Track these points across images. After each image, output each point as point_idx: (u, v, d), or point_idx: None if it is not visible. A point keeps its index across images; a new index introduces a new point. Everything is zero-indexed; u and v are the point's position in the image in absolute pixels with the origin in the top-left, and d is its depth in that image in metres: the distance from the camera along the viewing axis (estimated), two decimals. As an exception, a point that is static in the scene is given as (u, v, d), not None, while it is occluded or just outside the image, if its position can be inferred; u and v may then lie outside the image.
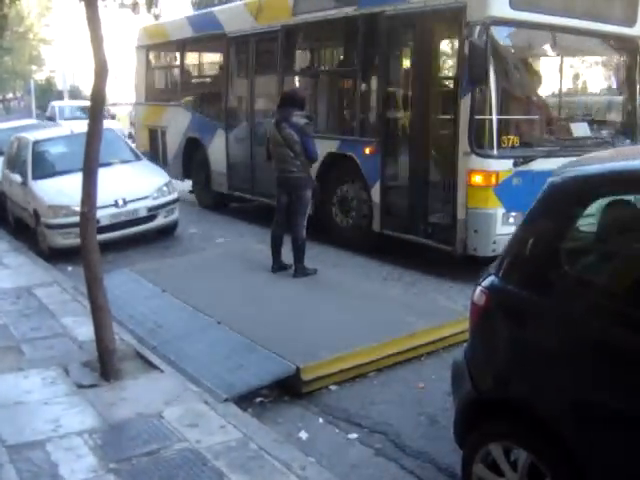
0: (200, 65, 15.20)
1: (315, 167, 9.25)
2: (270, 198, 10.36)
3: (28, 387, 5.60)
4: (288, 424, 5.15)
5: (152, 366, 5.87)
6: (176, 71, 15.03)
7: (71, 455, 4.51)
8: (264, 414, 5.31)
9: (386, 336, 6.11)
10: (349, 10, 9.69)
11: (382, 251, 9.61)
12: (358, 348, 5.88)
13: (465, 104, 7.96)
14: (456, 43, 8.63)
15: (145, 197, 10.65)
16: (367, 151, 9.44)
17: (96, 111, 5.73)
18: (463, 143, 8.00)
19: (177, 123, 14.21)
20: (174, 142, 14.40)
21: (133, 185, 10.75)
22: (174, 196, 11.13)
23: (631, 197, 3.49)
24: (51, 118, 26.91)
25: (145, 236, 10.93)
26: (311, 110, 10.27)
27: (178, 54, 14.70)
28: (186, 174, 14.35)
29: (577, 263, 3.52)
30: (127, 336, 6.51)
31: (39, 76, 52.97)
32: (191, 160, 14.00)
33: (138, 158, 12.08)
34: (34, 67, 56.26)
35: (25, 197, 11.16)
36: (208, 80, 14.82)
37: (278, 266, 8.37)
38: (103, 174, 5.84)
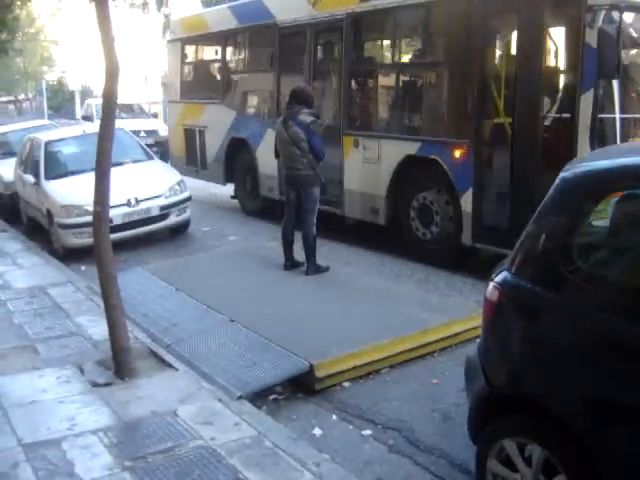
0: (246, 58, 13.41)
1: (389, 171, 9.12)
2: (330, 205, 10.08)
3: (43, 386, 5.64)
4: (302, 421, 5.17)
5: (166, 364, 5.91)
6: (217, 65, 13.89)
7: (87, 453, 4.55)
8: (278, 411, 5.33)
9: (399, 333, 6.11)
10: None
11: (394, 247, 9.61)
12: (371, 345, 5.89)
13: (586, 101, 7.03)
14: (571, 30, 7.88)
15: (157, 196, 10.71)
16: (457, 154, 8.35)
17: (108, 111, 5.74)
18: (583, 145, 6.99)
19: (219, 122, 13.11)
20: (215, 143, 13.33)
21: (145, 184, 10.80)
22: (186, 195, 11.17)
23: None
24: (87, 117, 24.66)
25: (157, 235, 10.98)
26: (384, 108, 9.93)
27: (219, 47, 13.56)
28: (228, 178, 13.34)
29: (590, 258, 3.50)
30: (141, 335, 6.55)
31: (50, 77, 53.12)
32: (234, 163, 12.98)
33: (150, 157, 12.13)
34: (45, 68, 56.43)
35: (38, 197, 11.22)
36: (255, 75, 12.95)
37: (290, 263, 8.39)
38: (115, 173, 5.87)
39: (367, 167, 9.74)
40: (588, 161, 3.67)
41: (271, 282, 7.84)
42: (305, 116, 8.01)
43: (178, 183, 11.17)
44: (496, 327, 3.67)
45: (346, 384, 5.67)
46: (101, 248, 5.72)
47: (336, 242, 10.14)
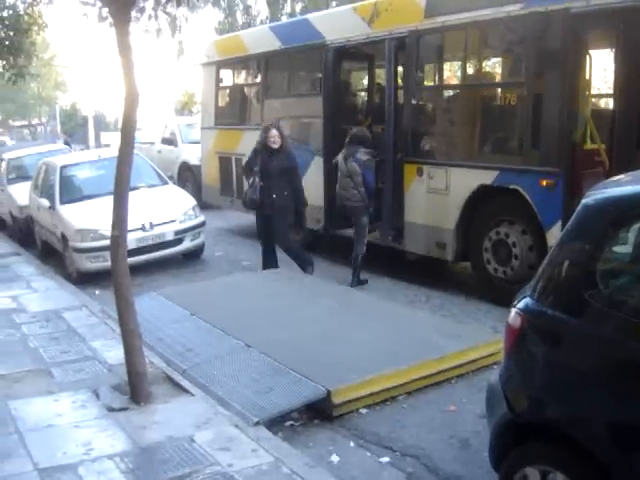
0: (289, 82, 12.69)
1: (459, 203, 8.53)
2: (381, 237, 9.86)
3: (59, 410, 5.63)
4: (319, 447, 5.13)
5: (182, 389, 5.88)
6: (256, 89, 13.07)
7: (103, 479, 4.52)
8: (295, 437, 5.29)
9: (415, 359, 6.07)
10: (512, 9, 7.82)
11: (408, 272, 9.59)
12: (388, 371, 5.85)
13: None
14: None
15: (172, 221, 10.74)
16: (543, 184, 7.60)
17: (127, 136, 5.77)
18: None
19: None
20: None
21: (160, 209, 10.85)
22: (200, 219, 11.21)
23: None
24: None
25: (172, 260, 10.99)
26: (454, 133, 9.18)
27: (259, 70, 12.76)
28: None
29: (612, 284, 3.49)
30: (156, 359, 6.53)
31: (63, 101, 53.65)
32: None
33: (164, 182, 12.18)
34: (59, 93, 56.99)
35: (53, 221, 11.28)
36: (300, 99, 12.22)
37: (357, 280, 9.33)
38: (130, 198, 5.88)
39: (433, 198, 9.03)
40: (610, 187, 3.65)
41: (285, 307, 7.81)
42: (362, 154, 9.03)
43: (193, 208, 11.20)
44: (519, 353, 3.64)
45: (363, 410, 5.63)
46: (119, 272, 5.72)
47: (348, 268, 10.12)
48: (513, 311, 3.67)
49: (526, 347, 3.62)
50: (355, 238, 9.37)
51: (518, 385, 3.63)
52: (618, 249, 3.49)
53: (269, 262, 9.74)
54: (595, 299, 3.33)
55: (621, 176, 3.94)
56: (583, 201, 3.54)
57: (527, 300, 3.62)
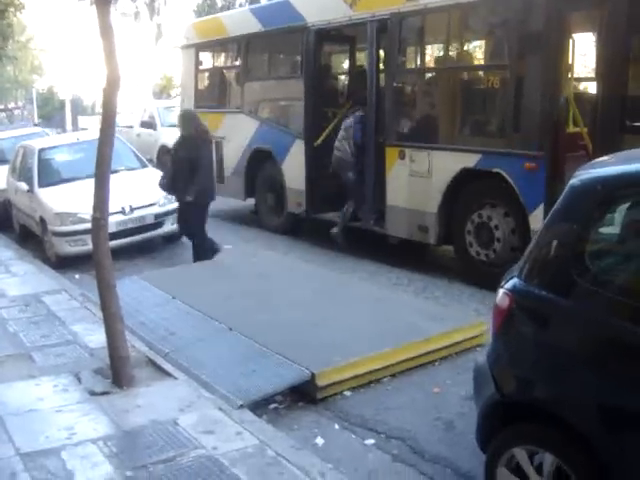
0: (270, 64, 12.62)
1: (441, 186, 8.48)
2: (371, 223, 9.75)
3: (40, 395, 5.56)
4: (304, 430, 5.11)
5: (165, 373, 5.84)
6: (237, 72, 12.85)
7: (87, 463, 4.47)
8: (279, 420, 5.27)
9: (400, 341, 6.06)
10: None
11: (391, 256, 9.58)
12: (372, 353, 5.83)
13: None
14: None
15: (152, 204, 10.64)
16: (526, 167, 7.52)
17: (108, 118, 5.69)
18: None
19: (238, 133, 12.28)
20: (234, 155, 12.44)
21: (140, 192, 10.73)
22: (180, 203, 11.08)
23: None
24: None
25: (152, 243, 10.91)
26: (436, 116, 9.08)
27: (240, 52, 12.53)
28: (249, 192, 12.45)
29: (600, 264, 3.48)
30: (138, 343, 6.46)
31: (40, 85, 53.06)
32: (256, 176, 12.13)
33: (144, 165, 12.07)
34: (35, 76, 56.36)
35: (31, 205, 11.15)
36: (282, 82, 12.24)
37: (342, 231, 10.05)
38: (110, 181, 5.80)
39: (415, 181, 8.95)
40: (597, 167, 3.64)
41: (268, 290, 7.78)
42: (360, 111, 9.79)
43: (173, 191, 11.09)
44: (506, 334, 3.63)
45: (347, 393, 5.61)
46: (100, 255, 5.64)
47: (332, 251, 10.11)
48: (501, 291, 3.65)
49: (514, 327, 3.61)
50: (345, 194, 10.02)
51: (506, 365, 3.62)
52: (606, 229, 3.48)
53: (198, 253, 9.41)
54: (583, 279, 3.31)
55: (607, 157, 3.93)
56: (570, 181, 3.52)
57: (515, 280, 3.61)
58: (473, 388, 3.92)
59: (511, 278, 3.65)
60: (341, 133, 9.88)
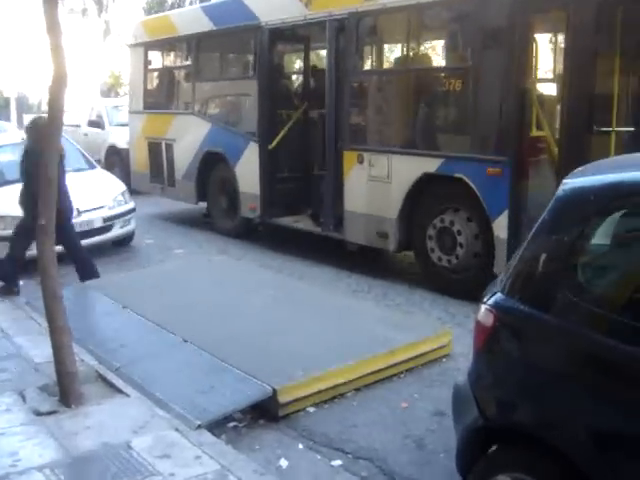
0: (222, 64, 12.47)
1: (402, 192, 8.25)
2: (322, 226, 9.55)
3: (-19, 415, 5.16)
4: (266, 450, 4.80)
5: (116, 390, 5.46)
6: (188, 72, 12.48)
7: (32, 493, 4.11)
8: (239, 440, 4.94)
9: (364, 353, 5.80)
10: None
11: (349, 261, 9.34)
12: (336, 367, 5.55)
13: None
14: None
15: (100, 207, 10.20)
16: (489, 172, 7.35)
17: (54, 118, 5.33)
18: None
19: (189, 135, 11.97)
20: (185, 158, 12.10)
21: (88, 194, 10.24)
22: (130, 206, 10.69)
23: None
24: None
25: (101, 248, 10.47)
26: (395, 119, 8.85)
27: (190, 52, 12.20)
28: (200, 196, 12.11)
29: (592, 279, 3.26)
30: (87, 357, 6.07)
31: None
32: (208, 180, 11.82)
33: (92, 166, 11.61)
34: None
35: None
36: (234, 83, 11.98)
37: None
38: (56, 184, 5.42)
39: (374, 186, 8.73)
40: (587, 176, 3.41)
41: (224, 298, 7.44)
42: None
43: (122, 193, 10.69)
44: (490, 352, 3.39)
45: (310, 409, 5.32)
46: (46, 264, 5.26)
47: (290, 256, 9.84)
48: (483, 307, 3.40)
49: (499, 346, 3.36)
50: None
51: (490, 386, 3.38)
52: (599, 241, 3.25)
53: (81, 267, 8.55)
54: (575, 295, 3.08)
55: (592, 165, 3.71)
56: (558, 191, 3.29)
57: (498, 296, 3.36)
58: (452, 410, 3.67)
59: (493, 294, 3.41)
60: None
